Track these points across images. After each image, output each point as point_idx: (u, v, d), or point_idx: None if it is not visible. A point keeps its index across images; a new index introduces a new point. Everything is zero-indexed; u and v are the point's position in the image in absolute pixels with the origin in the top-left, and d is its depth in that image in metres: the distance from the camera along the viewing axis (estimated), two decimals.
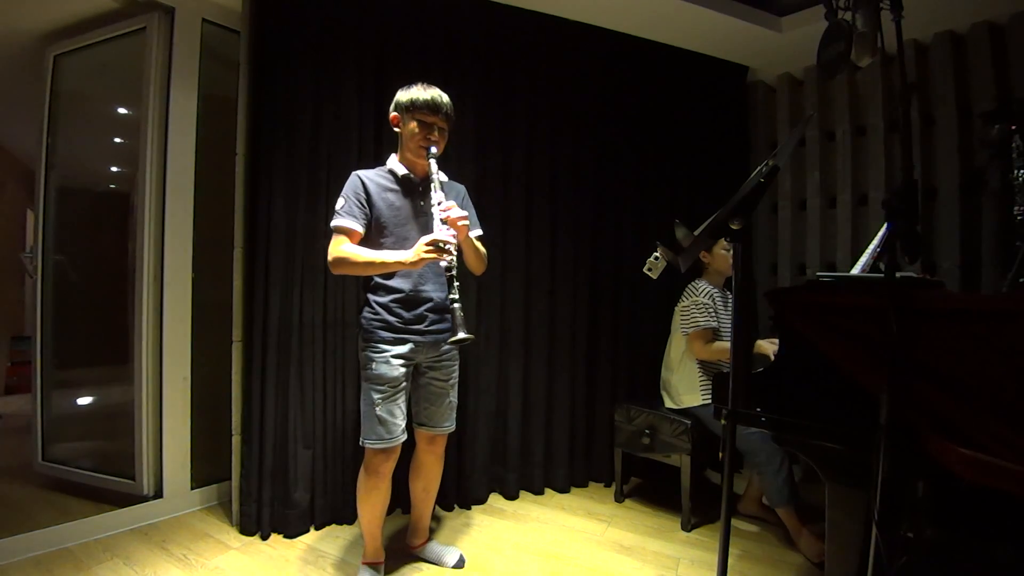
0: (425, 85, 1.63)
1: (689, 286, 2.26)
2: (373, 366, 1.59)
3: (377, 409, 1.57)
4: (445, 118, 1.64)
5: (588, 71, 2.57)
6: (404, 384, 1.64)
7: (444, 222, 1.50)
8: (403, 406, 1.63)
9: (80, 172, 2.63)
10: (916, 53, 2.40)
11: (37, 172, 2.43)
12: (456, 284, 1.46)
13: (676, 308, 2.29)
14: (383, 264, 1.54)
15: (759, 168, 1.08)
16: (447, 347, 1.70)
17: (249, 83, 2.06)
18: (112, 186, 2.75)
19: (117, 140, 2.63)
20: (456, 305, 1.43)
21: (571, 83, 2.54)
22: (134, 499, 2.14)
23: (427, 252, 1.46)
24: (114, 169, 2.72)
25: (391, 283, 1.63)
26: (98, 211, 2.69)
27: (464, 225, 1.54)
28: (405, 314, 1.63)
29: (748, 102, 3.00)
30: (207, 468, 2.29)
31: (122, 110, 2.55)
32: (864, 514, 1.08)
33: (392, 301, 1.62)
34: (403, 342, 1.62)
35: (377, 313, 1.62)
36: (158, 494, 2.17)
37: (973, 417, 0.94)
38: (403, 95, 1.63)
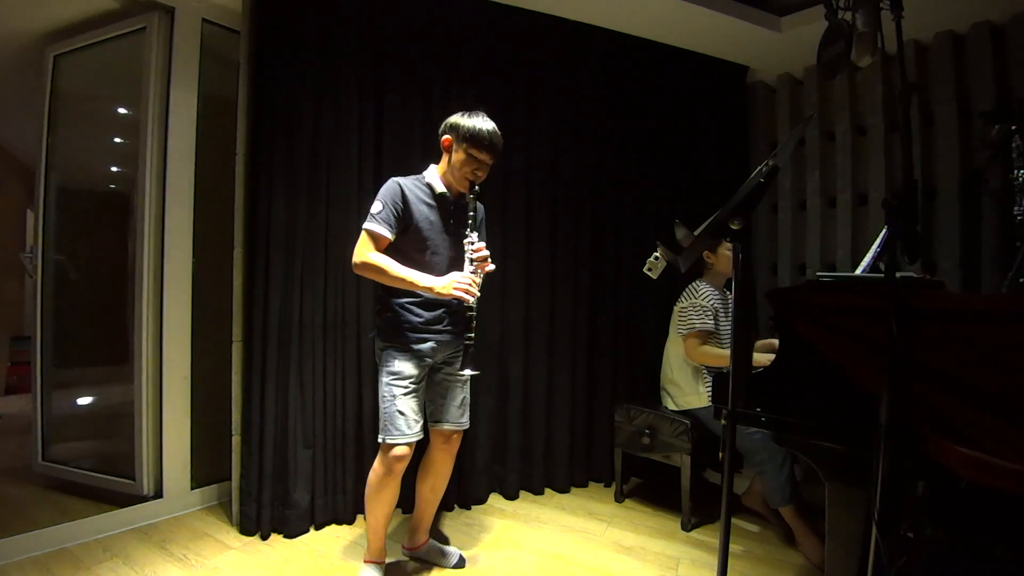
0: (484, 116, 1.66)
1: (689, 287, 2.26)
2: (396, 363, 1.63)
3: (398, 403, 1.61)
4: (495, 156, 1.67)
5: (588, 71, 2.57)
6: (423, 383, 1.69)
7: (472, 262, 1.59)
8: (421, 404, 1.69)
9: (80, 172, 2.63)
10: (916, 53, 2.40)
11: (37, 172, 2.43)
12: (474, 324, 1.57)
13: (675, 308, 2.29)
14: (412, 284, 1.58)
15: (759, 168, 1.08)
16: (463, 344, 1.75)
17: (249, 83, 2.06)
18: (112, 186, 2.75)
19: (117, 140, 2.63)
20: (470, 343, 1.56)
21: (571, 83, 2.54)
22: (134, 499, 2.14)
23: (456, 290, 1.54)
24: (114, 169, 2.72)
25: None
26: (98, 211, 2.69)
27: (490, 268, 1.64)
28: (425, 314, 1.68)
29: (748, 102, 3.00)
30: (207, 468, 2.29)
31: (122, 110, 2.55)
32: (864, 514, 1.08)
33: (411, 303, 1.67)
34: (424, 341, 1.67)
35: (398, 314, 1.67)
36: (158, 494, 2.17)
37: (973, 416, 0.94)
38: (465, 122, 1.64)
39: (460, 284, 1.54)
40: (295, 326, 2.05)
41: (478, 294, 1.57)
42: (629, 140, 2.66)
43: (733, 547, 1.90)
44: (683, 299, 2.24)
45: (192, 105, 2.22)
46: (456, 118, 1.66)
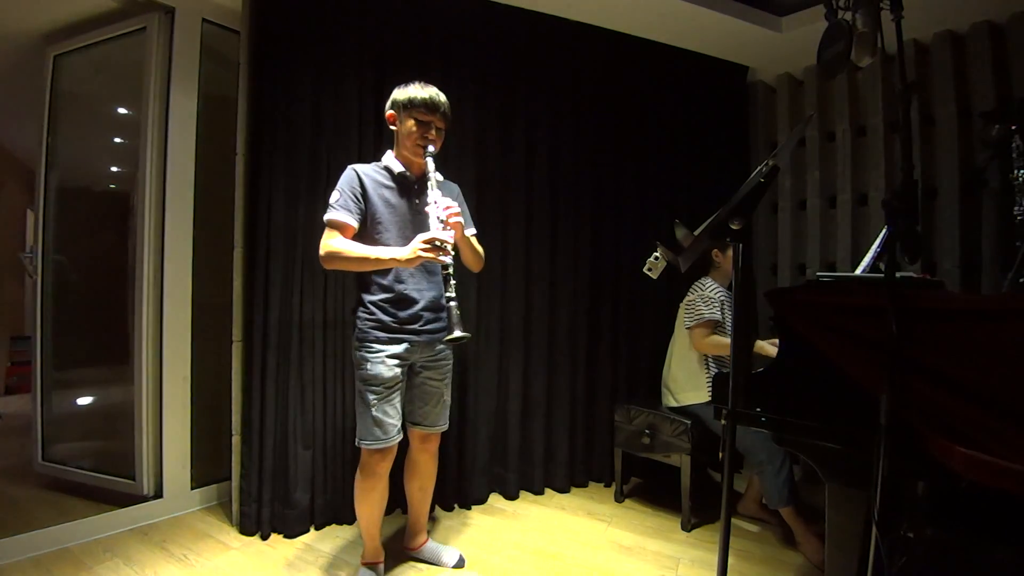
0: (423, 84, 1.62)
1: (695, 283, 2.25)
2: (368, 367, 1.58)
3: (373, 410, 1.56)
4: (443, 117, 1.63)
5: (588, 71, 2.57)
6: (399, 384, 1.62)
7: (440, 220, 1.49)
8: (398, 406, 1.62)
9: (80, 172, 2.63)
10: (916, 53, 2.40)
11: (37, 172, 2.43)
12: (453, 283, 1.45)
13: (681, 305, 2.28)
14: (377, 260, 1.52)
15: (759, 168, 1.08)
16: (442, 346, 1.70)
17: (249, 83, 2.06)
18: (112, 186, 2.75)
19: (117, 140, 2.63)
20: (452, 304, 1.43)
21: (571, 83, 2.54)
22: (134, 499, 2.14)
23: (423, 251, 1.44)
24: (114, 169, 2.71)
25: (384, 282, 1.61)
26: (98, 211, 2.69)
27: (459, 223, 1.55)
28: (399, 313, 1.61)
29: (748, 102, 3.00)
30: (207, 468, 2.29)
31: (122, 110, 2.55)
32: (864, 514, 1.08)
33: (384, 301, 1.61)
34: (398, 342, 1.60)
35: (372, 313, 1.60)
36: (158, 494, 2.17)
37: (973, 416, 0.94)
38: (400, 93, 1.63)
39: (425, 245, 1.44)
40: (295, 326, 2.05)
41: (451, 252, 1.46)
42: (629, 140, 2.66)
43: (733, 547, 1.90)
44: (690, 294, 2.24)
45: (192, 105, 2.22)
46: (393, 94, 1.65)
